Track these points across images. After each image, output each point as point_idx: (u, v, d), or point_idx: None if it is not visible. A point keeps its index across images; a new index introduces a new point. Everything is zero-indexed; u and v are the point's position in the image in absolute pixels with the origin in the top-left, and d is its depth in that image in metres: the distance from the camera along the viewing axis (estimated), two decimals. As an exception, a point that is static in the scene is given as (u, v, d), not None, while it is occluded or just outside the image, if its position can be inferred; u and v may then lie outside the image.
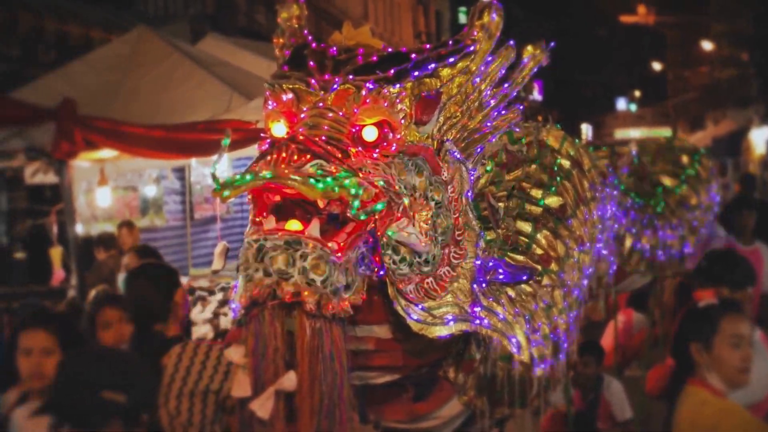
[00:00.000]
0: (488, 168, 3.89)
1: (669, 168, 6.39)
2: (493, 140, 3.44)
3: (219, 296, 7.72)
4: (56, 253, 10.19)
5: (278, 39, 3.35)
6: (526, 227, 3.86)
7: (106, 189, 9.13)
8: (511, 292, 3.56)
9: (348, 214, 2.73)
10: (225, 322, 7.39)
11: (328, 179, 2.63)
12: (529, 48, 3.51)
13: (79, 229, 8.61)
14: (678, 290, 6.77)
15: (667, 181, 6.20)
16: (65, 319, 4.15)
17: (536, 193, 4.00)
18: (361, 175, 2.76)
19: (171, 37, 9.73)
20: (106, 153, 7.96)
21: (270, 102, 3.05)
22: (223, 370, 4.09)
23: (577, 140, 4.55)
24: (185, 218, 11.46)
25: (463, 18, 45.88)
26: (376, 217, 2.83)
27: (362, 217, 2.75)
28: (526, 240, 3.82)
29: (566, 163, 4.24)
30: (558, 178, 4.11)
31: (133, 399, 2.97)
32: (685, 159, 6.54)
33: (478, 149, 3.37)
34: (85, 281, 7.95)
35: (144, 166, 9.87)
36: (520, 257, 3.73)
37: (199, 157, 8.72)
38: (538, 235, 3.86)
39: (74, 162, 7.71)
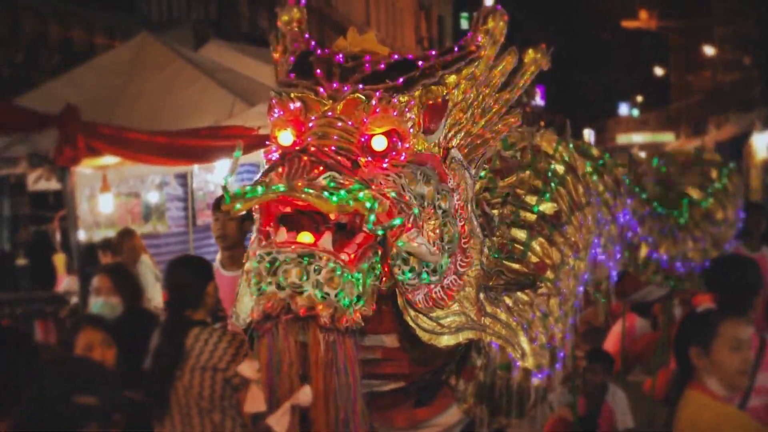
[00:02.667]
0: (482, 174, 3.88)
1: (697, 180, 6.35)
2: (495, 144, 3.43)
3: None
4: (60, 259, 10.21)
5: (276, 42, 3.33)
6: (520, 235, 3.82)
7: (108, 195, 9.12)
8: (509, 301, 3.55)
9: (364, 229, 2.71)
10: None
11: (342, 192, 2.60)
12: (531, 52, 3.50)
13: (82, 235, 8.62)
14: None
15: (694, 194, 6.16)
16: None
17: (531, 199, 3.97)
18: (373, 186, 2.74)
19: (174, 42, 9.75)
20: (109, 159, 7.95)
21: (276, 110, 3.01)
22: (231, 353, 4.48)
23: (570, 145, 4.53)
24: (187, 224, 11.45)
25: (464, 23, 45.92)
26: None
27: (379, 233, 2.74)
28: (521, 248, 3.79)
29: (560, 169, 4.22)
30: (552, 184, 4.08)
31: (105, 400, 2.99)
32: (713, 173, 6.50)
33: (481, 154, 3.36)
34: (88, 288, 7.94)
35: (146, 173, 9.89)
36: (515, 265, 3.70)
37: (202, 164, 8.72)
38: (533, 243, 3.83)
39: (77, 168, 7.70)
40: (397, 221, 2.76)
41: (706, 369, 3.77)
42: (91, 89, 8.67)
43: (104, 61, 9.58)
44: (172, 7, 20.73)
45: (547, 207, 3.98)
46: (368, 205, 2.62)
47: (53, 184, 8.38)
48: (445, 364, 3.40)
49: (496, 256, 3.59)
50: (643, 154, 7.01)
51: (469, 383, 3.55)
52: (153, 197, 11.16)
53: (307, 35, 3.27)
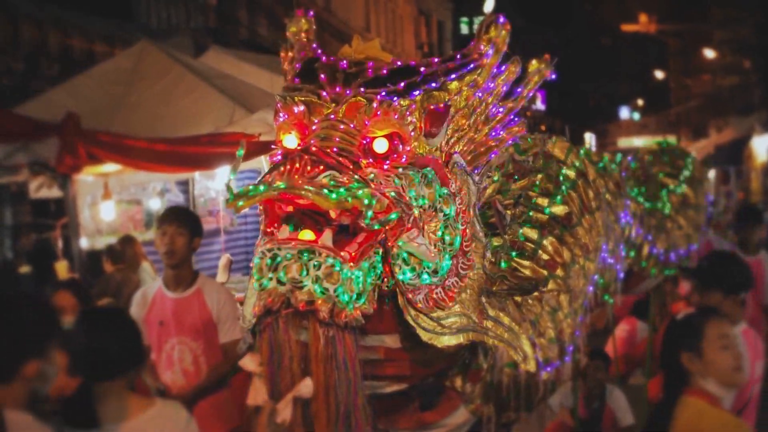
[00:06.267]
0: (495, 178, 3.93)
1: (668, 170, 6.48)
2: (498, 153, 3.47)
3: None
4: (62, 267, 10.22)
5: (286, 52, 3.39)
6: (532, 234, 3.91)
7: (110, 203, 9.13)
8: (518, 297, 3.60)
9: (362, 224, 2.76)
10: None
11: (341, 190, 2.66)
12: (534, 62, 3.55)
13: (84, 243, 8.62)
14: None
15: (670, 182, 6.29)
16: None
17: (542, 201, 4.06)
18: (373, 186, 2.79)
19: (173, 50, 9.76)
20: (110, 167, 7.96)
21: (281, 114, 3.09)
22: None
23: (582, 150, 4.59)
24: (189, 231, 11.43)
25: (464, 28, 46.00)
26: (387, 227, 2.87)
27: (376, 227, 2.79)
28: (533, 246, 3.87)
29: (571, 174, 4.29)
30: (563, 188, 4.15)
31: None
32: (680, 161, 6.63)
33: (484, 162, 3.40)
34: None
35: (147, 180, 9.87)
36: (526, 262, 3.78)
37: (203, 170, 8.74)
38: (544, 242, 3.92)
39: (78, 176, 7.70)
40: (393, 215, 2.82)
41: (700, 372, 3.77)
42: (91, 97, 8.68)
43: (104, 70, 9.58)
44: (171, 15, 20.75)
45: (558, 209, 4.07)
46: (366, 201, 2.69)
47: (54, 192, 8.38)
48: (447, 367, 3.43)
49: (508, 252, 3.67)
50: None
51: (475, 385, 3.59)
52: (154, 204, 11.16)
53: (315, 45, 3.33)
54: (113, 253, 9.19)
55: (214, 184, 10.75)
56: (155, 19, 20.07)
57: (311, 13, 3.49)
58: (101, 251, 9.58)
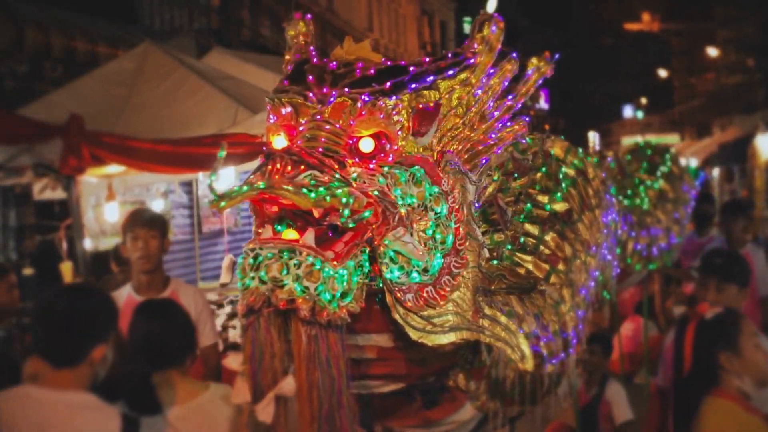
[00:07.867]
0: (495, 177, 3.95)
1: (645, 166, 6.60)
2: (499, 152, 3.47)
3: (227, 309, 7.74)
4: (67, 268, 10.23)
5: (286, 55, 3.41)
6: (533, 229, 3.95)
7: (114, 204, 9.13)
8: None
9: (337, 222, 2.79)
10: (234, 335, 7.40)
11: (320, 189, 2.69)
12: (534, 60, 3.56)
13: (88, 244, 8.63)
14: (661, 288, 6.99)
15: (646, 178, 6.40)
16: None
17: (542, 198, 4.10)
18: (354, 185, 2.81)
19: (176, 51, 9.77)
20: (114, 168, 7.97)
21: (271, 116, 3.12)
22: None
23: (580, 150, 4.63)
24: (193, 232, 11.47)
25: (467, 28, 45.91)
26: (373, 225, 2.88)
27: (351, 225, 2.81)
28: (534, 241, 3.89)
29: (571, 172, 4.32)
30: (563, 185, 4.18)
31: None
32: (657, 158, 6.72)
33: (483, 161, 3.40)
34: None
35: (151, 181, 9.89)
36: (528, 257, 3.81)
37: (206, 171, 8.73)
38: (546, 237, 3.96)
39: (82, 178, 7.71)
40: (366, 213, 2.83)
41: (738, 371, 3.78)
42: (94, 99, 8.69)
43: (107, 71, 9.60)
44: (174, 17, 20.77)
45: (559, 205, 4.11)
46: (344, 200, 2.71)
47: (59, 194, 8.39)
48: (446, 366, 3.44)
49: (510, 248, 3.68)
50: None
51: (480, 382, 3.59)
52: (158, 205, 11.16)
53: (311, 48, 3.35)
54: (118, 254, 9.20)
55: (217, 185, 10.71)
56: (158, 21, 20.08)
57: (309, 15, 3.50)
58: (105, 252, 9.59)
